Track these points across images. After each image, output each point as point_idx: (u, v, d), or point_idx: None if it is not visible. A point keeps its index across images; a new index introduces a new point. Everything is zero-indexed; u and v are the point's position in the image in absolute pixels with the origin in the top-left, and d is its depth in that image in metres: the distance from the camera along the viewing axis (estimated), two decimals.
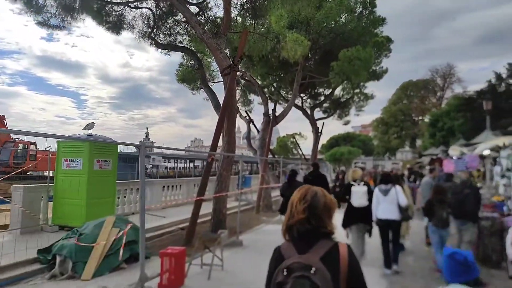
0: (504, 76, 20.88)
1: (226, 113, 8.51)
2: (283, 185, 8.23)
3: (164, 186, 13.27)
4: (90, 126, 8.64)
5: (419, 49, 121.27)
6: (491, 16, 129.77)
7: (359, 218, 6.17)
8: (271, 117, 16.12)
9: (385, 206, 5.92)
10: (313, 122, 23.40)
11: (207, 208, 9.52)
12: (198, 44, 11.90)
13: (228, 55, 10.41)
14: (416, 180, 11.59)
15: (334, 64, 13.84)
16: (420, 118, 52.00)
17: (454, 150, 10.76)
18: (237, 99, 22.15)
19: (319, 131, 23.41)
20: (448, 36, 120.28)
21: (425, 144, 32.93)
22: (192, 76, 12.50)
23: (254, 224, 10.88)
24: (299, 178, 9.35)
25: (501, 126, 15.01)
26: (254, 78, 16.86)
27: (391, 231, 6.03)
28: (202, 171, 35.07)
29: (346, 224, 6.21)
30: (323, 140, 56.22)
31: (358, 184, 6.39)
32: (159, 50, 10.57)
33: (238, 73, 19.28)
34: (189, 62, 12.59)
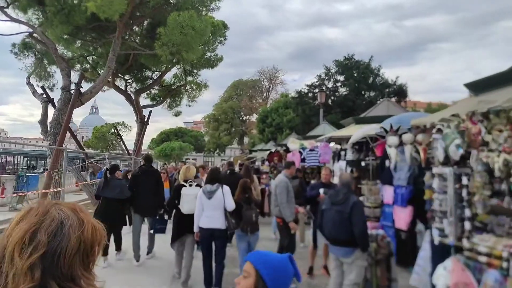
0: (332, 71, 22.58)
1: None
2: (99, 183, 6.92)
3: None
4: None
5: (245, 57, 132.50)
6: (300, 37, 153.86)
7: (189, 227, 4.92)
8: (72, 94, 11.78)
9: (208, 213, 4.77)
10: (138, 109, 19.74)
11: None
12: None
13: None
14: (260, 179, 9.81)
15: (162, 29, 10.81)
16: (248, 117, 54.70)
17: (294, 143, 9.56)
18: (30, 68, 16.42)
19: (146, 120, 19.96)
20: (268, 49, 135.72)
21: (254, 141, 33.86)
22: None
23: None
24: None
25: (330, 121, 15.41)
26: (48, 37, 12.04)
27: (215, 244, 4.84)
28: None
29: (175, 237, 5.13)
30: (153, 135, 52.21)
31: (190, 185, 5.26)
32: None
33: (29, 30, 13.87)
34: None
